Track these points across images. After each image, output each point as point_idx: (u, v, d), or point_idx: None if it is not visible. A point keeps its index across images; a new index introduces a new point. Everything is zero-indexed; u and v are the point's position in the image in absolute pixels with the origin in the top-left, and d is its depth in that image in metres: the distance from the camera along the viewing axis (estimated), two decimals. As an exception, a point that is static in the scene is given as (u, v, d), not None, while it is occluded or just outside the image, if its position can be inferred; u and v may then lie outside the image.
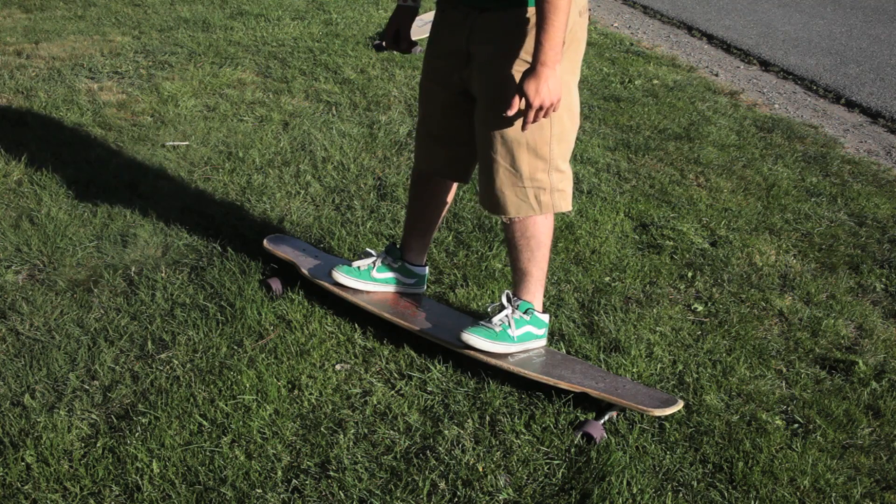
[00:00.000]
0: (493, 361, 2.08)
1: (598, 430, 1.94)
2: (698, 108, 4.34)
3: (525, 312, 2.13)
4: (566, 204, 2.04)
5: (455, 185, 2.28)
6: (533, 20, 1.81)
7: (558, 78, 1.77)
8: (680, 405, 1.97)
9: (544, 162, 1.95)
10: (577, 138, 3.76)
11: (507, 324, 2.11)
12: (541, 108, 1.78)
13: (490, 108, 1.94)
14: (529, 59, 1.81)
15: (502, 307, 2.14)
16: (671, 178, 3.44)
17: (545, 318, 2.19)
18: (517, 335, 2.11)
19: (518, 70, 1.86)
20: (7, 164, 3.18)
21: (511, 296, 2.15)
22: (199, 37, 5.02)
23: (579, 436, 1.94)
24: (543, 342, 2.19)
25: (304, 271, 2.41)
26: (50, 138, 3.46)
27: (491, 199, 2.03)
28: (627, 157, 3.65)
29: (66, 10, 5.52)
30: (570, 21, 1.80)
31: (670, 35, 6.16)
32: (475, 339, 2.08)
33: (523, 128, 1.84)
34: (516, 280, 2.15)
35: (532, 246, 2.07)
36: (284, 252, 2.51)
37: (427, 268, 2.40)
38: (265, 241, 2.58)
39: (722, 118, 4.22)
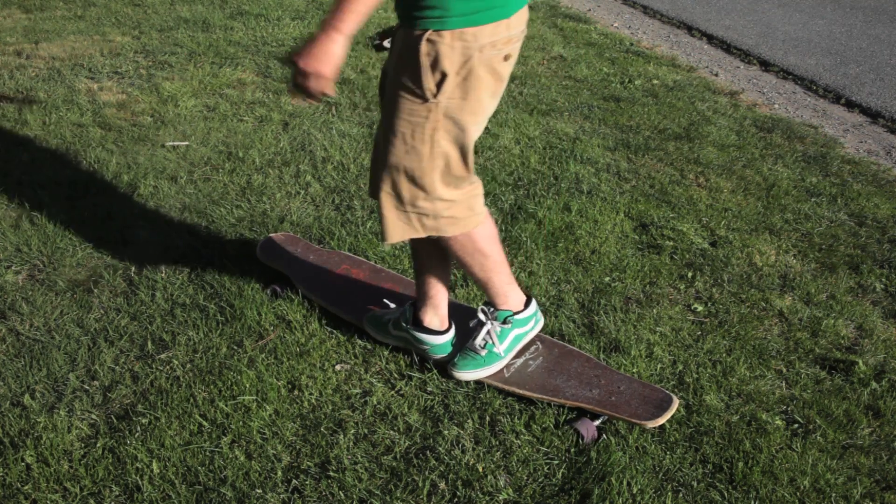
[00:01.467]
0: (490, 382, 2.08)
1: (588, 428, 1.94)
2: (698, 108, 4.34)
3: (504, 322, 2.06)
4: (454, 229, 1.85)
5: None
6: (427, 46, 1.59)
7: (331, 51, 1.51)
8: (675, 406, 1.96)
9: (425, 193, 1.78)
10: (577, 138, 3.79)
11: (490, 342, 2.05)
12: (297, 69, 1.53)
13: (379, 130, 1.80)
14: (414, 86, 1.62)
15: (481, 323, 2.07)
16: (671, 178, 3.44)
17: (529, 311, 2.09)
18: (504, 349, 2.06)
19: (398, 94, 1.67)
20: (7, 163, 3.18)
21: (486, 309, 2.08)
22: (199, 37, 5.02)
23: (572, 430, 1.95)
24: (536, 330, 2.14)
25: (298, 285, 2.40)
26: (50, 138, 3.46)
27: (379, 224, 1.88)
28: (627, 157, 3.65)
29: (66, 10, 5.52)
30: (469, 52, 1.59)
31: (670, 35, 6.16)
32: (465, 374, 2.05)
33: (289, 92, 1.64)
34: (483, 291, 2.06)
35: (477, 258, 1.93)
36: (278, 264, 2.50)
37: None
38: (258, 251, 2.57)
39: (722, 118, 4.22)
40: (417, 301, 2.12)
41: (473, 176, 1.86)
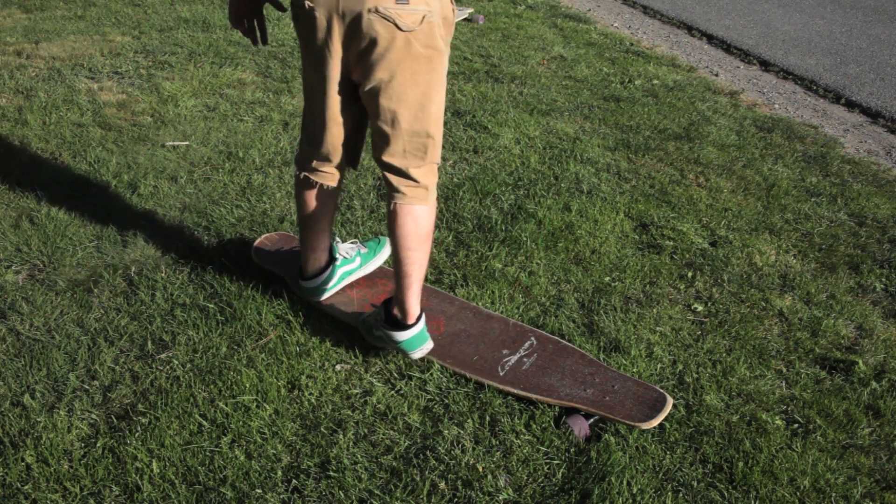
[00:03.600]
0: (484, 381, 2.08)
1: (581, 426, 1.94)
2: (698, 108, 4.34)
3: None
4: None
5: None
6: None
7: (230, 5, 2.01)
8: (669, 405, 1.96)
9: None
10: (577, 138, 3.79)
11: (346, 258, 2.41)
12: None
13: None
14: None
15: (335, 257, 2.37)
16: (671, 178, 3.44)
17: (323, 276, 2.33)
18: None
19: None
20: (7, 164, 3.18)
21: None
22: (199, 37, 5.02)
23: (565, 424, 1.96)
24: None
25: (292, 286, 2.40)
26: (50, 138, 3.46)
27: None
28: (627, 157, 3.65)
29: (66, 10, 5.52)
30: None
31: (670, 35, 6.16)
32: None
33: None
34: None
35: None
36: (272, 265, 2.50)
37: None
38: (253, 252, 2.56)
39: (722, 118, 4.22)
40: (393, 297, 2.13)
41: (317, 145, 2.07)
